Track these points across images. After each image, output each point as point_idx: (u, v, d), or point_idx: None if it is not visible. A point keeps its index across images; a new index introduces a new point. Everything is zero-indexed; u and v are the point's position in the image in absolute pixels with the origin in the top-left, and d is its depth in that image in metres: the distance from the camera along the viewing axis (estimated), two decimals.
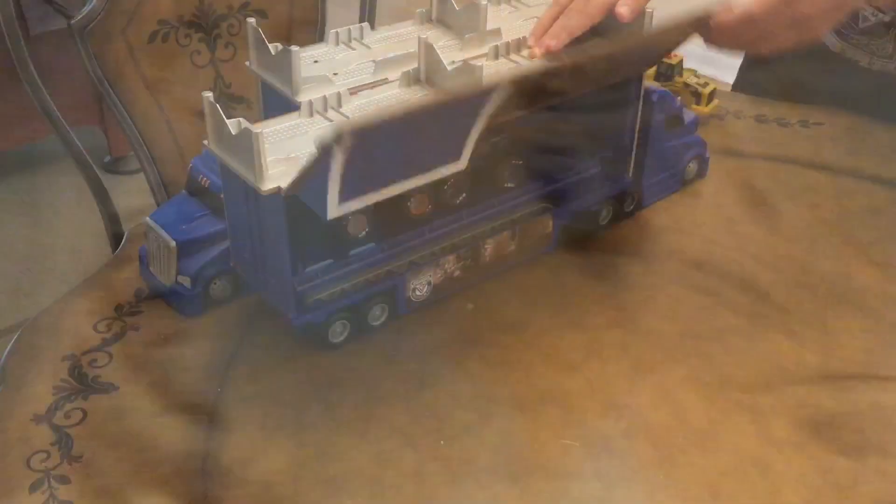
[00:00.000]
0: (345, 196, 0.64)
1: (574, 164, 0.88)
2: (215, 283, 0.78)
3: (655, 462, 0.65)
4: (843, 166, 0.99)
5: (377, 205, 0.68)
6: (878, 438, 0.67)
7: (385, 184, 0.66)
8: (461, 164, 0.70)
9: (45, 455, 0.66)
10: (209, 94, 0.67)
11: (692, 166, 0.96)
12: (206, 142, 0.70)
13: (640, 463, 0.65)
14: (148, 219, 0.79)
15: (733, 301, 0.81)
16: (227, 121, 0.66)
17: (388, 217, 0.75)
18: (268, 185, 0.65)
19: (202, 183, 0.79)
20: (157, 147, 1.10)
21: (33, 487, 0.63)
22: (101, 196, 1.11)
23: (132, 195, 2.00)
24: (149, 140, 1.10)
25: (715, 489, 0.63)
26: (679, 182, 0.96)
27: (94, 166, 1.10)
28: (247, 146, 0.65)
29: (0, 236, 2.09)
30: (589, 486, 0.64)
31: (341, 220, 0.71)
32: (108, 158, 2.27)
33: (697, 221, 0.92)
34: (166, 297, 0.79)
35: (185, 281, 0.77)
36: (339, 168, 0.60)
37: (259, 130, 0.63)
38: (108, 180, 1.14)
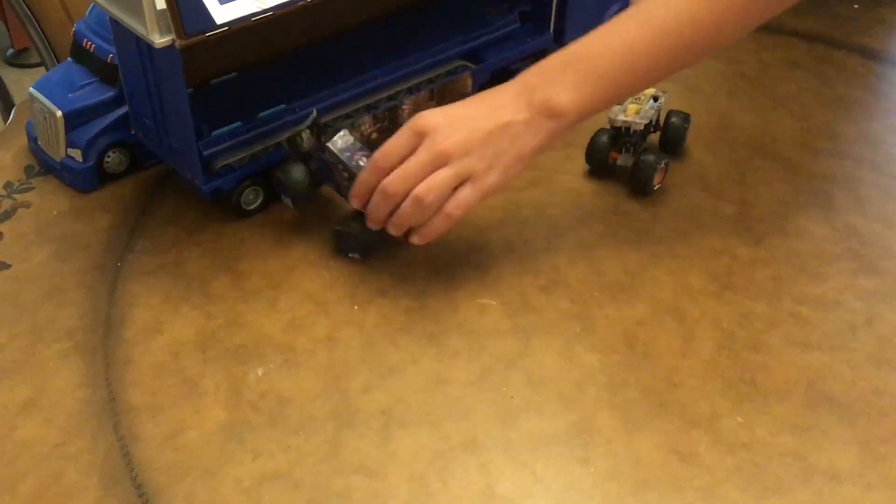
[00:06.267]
0: None
1: (492, 18, 0.84)
2: (109, 156, 0.73)
3: (572, 315, 0.65)
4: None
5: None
6: (792, 284, 0.67)
7: None
8: None
9: None
10: None
11: None
12: None
13: (558, 317, 0.65)
14: (31, 89, 0.73)
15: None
16: None
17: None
18: (161, 38, 0.60)
19: (87, 48, 0.73)
20: (49, 22, 1.03)
21: None
22: None
23: None
24: (39, 14, 1.03)
25: (631, 337, 0.63)
26: None
27: None
28: None
29: None
30: (506, 341, 0.63)
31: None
32: (10, 52, 2.14)
33: None
34: (57, 173, 0.74)
35: (76, 154, 0.72)
36: None
37: None
38: (11, 74, 1.07)
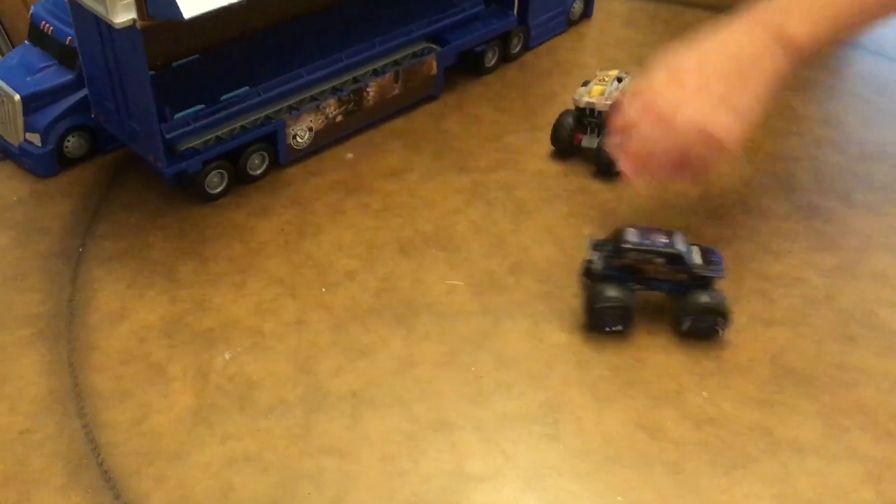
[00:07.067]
0: None
1: (457, 1, 0.84)
2: (69, 140, 0.72)
3: (541, 295, 0.65)
4: (722, 4, 0.97)
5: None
6: (755, 261, 0.68)
7: None
8: None
9: None
10: None
11: (577, 6, 0.94)
12: None
13: (525, 297, 0.65)
14: None
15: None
16: None
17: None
18: (121, 17, 0.59)
19: (45, 30, 0.72)
20: (3, 5, 1.01)
21: None
22: None
23: None
24: None
25: None
26: (565, 23, 0.94)
27: None
28: None
29: None
30: (476, 321, 0.63)
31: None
32: None
33: (581, 63, 0.90)
34: (16, 158, 0.73)
35: (35, 138, 0.70)
36: None
37: None
38: None
